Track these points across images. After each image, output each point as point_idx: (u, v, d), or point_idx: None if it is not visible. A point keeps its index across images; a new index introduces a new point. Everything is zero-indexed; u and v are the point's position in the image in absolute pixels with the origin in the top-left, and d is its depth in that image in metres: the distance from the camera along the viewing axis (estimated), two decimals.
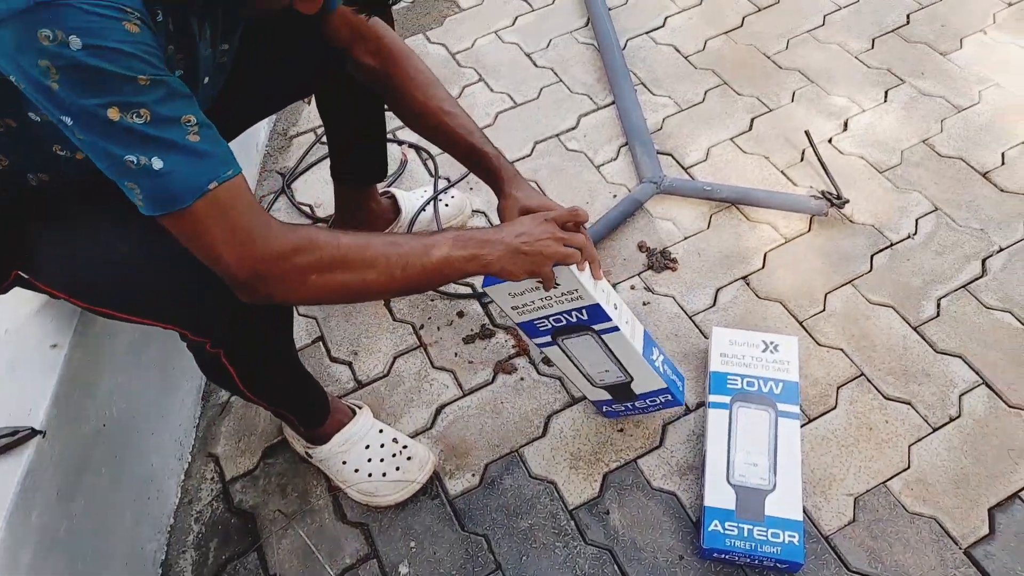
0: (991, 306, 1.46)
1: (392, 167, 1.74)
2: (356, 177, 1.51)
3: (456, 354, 1.48)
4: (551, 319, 1.09)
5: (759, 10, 2.15)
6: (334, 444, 1.25)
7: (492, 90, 2.01)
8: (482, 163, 1.15)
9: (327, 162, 1.53)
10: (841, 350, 1.42)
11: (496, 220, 1.62)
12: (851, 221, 1.63)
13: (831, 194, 1.62)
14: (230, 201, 0.77)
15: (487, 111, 1.95)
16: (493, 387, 1.43)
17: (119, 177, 0.73)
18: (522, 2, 2.25)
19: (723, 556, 1.16)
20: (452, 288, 1.57)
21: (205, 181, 0.74)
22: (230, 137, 1.00)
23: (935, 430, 1.31)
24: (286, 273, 0.82)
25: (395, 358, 1.48)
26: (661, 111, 1.90)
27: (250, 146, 1.82)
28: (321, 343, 1.52)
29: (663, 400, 1.24)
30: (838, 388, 1.37)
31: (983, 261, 1.53)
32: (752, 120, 1.86)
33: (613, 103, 1.92)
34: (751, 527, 1.15)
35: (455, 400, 1.41)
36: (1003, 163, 1.70)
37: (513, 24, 2.19)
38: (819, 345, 1.43)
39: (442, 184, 1.75)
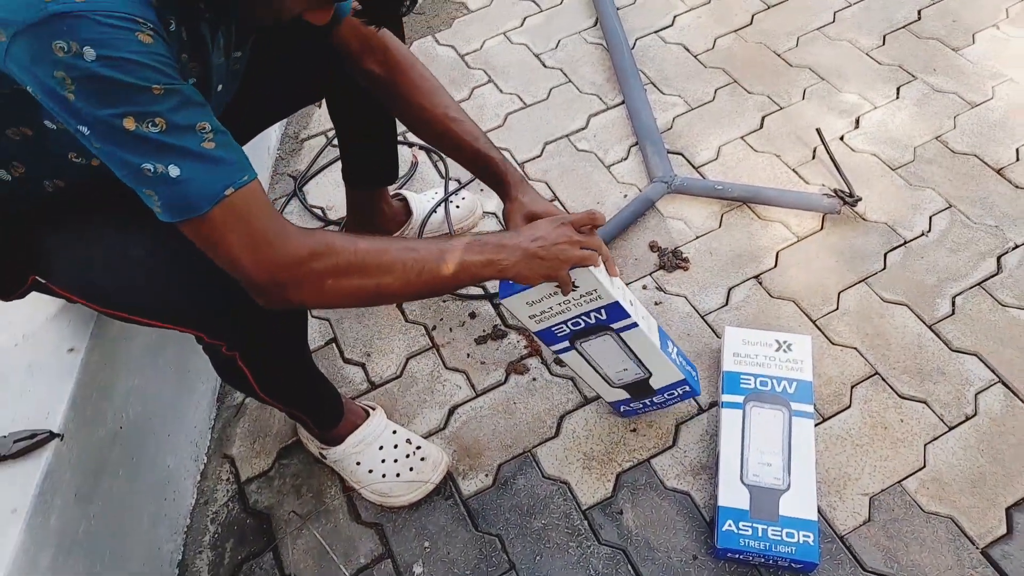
0: (1007, 303, 1.45)
1: (403, 169, 1.75)
2: (367, 180, 1.52)
3: (468, 355, 1.48)
4: (569, 323, 1.09)
5: (768, 8, 2.14)
6: (348, 445, 1.26)
7: (501, 91, 2.01)
8: (488, 168, 1.15)
9: (339, 165, 1.53)
10: (855, 349, 1.41)
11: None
12: (864, 219, 1.62)
13: (844, 192, 1.61)
14: (247, 206, 0.77)
15: (497, 112, 1.95)
16: (506, 387, 1.43)
17: (137, 185, 0.74)
18: (530, 3, 2.26)
19: (737, 556, 1.16)
20: (464, 289, 1.58)
21: (221, 187, 0.75)
22: (243, 142, 1.01)
23: (951, 429, 1.30)
24: (303, 278, 0.83)
25: (408, 359, 1.49)
26: (671, 110, 1.90)
27: (262, 150, 1.83)
28: (334, 345, 1.53)
29: (681, 392, 1.24)
30: (852, 387, 1.36)
31: (998, 258, 1.52)
32: (763, 118, 1.85)
33: (623, 103, 1.92)
34: (765, 527, 1.15)
35: (468, 401, 1.42)
36: (1017, 159, 1.69)
37: (522, 25, 2.19)
38: (833, 344, 1.43)
39: (453, 186, 1.75)
